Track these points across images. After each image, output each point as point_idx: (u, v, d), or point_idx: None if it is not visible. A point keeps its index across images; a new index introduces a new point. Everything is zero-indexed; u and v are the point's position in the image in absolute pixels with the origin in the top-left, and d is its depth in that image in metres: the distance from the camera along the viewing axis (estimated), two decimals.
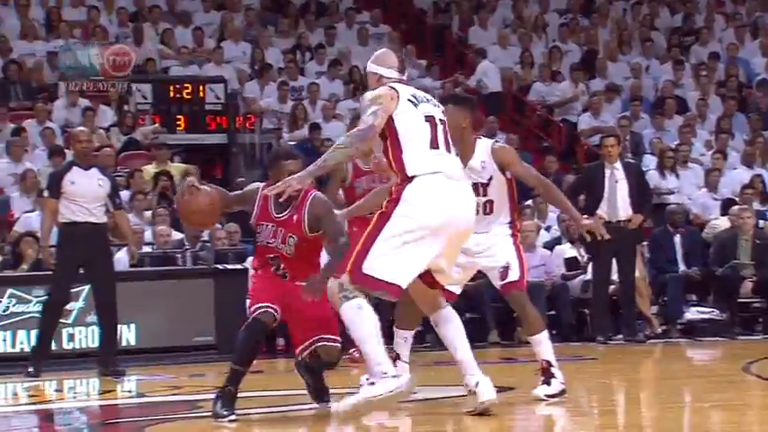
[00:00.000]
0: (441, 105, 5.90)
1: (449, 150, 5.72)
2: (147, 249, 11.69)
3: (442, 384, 6.79)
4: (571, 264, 11.91)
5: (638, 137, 15.46)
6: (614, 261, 11.03)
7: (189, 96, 14.93)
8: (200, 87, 15.03)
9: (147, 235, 11.94)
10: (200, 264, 11.47)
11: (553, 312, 11.61)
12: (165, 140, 14.22)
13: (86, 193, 9.26)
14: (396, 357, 6.23)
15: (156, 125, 14.70)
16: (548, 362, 6.37)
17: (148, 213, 12.43)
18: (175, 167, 13.64)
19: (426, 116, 5.72)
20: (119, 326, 10.30)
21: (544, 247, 12.13)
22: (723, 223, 12.87)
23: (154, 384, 8.60)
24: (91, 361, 9.85)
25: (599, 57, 17.77)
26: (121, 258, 11.42)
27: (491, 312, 11.23)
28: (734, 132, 15.88)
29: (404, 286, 5.54)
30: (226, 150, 15.35)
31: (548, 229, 12.98)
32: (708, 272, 12.14)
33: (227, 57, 16.40)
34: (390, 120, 5.64)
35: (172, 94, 14.89)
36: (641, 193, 11.14)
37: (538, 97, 16.95)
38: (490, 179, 6.39)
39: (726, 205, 13.32)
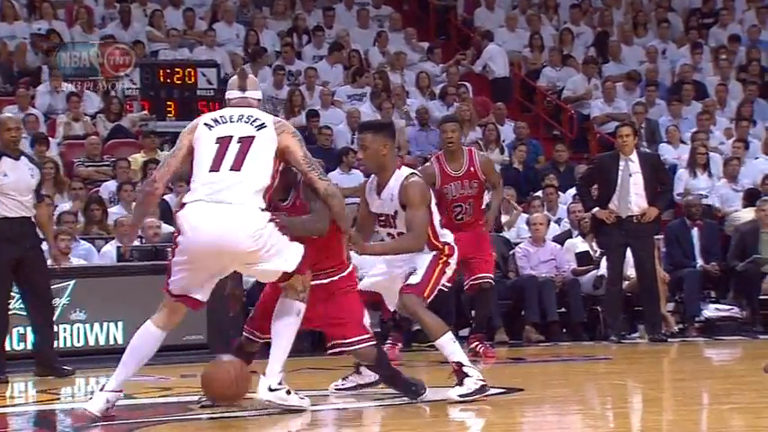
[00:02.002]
0: (259, 122, 6.21)
1: (238, 169, 6.06)
2: (135, 243, 11.69)
3: (444, 386, 6.80)
4: (583, 258, 11.92)
5: (654, 124, 15.45)
6: (628, 256, 11.00)
7: (179, 81, 14.91)
8: (192, 72, 15.00)
9: None
10: None
11: (563, 310, 11.63)
12: (155, 128, 14.23)
13: (20, 186, 9.03)
14: (356, 366, 6.98)
15: (145, 112, 14.69)
16: (458, 363, 6.50)
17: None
18: (164, 157, 13.60)
19: (219, 138, 6.13)
20: (105, 324, 10.31)
21: (554, 241, 12.13)
22: (745, 215, 12.87)
23: (142, 385, 8.60)
24: (71, 361, 9.86)
25: (612, 39, 17.77)
26: (108, 252, 11.45)
27: (498, 311, 11.24)
28: (755, 119, 15.87)
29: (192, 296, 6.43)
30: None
31: (558, 221, 12.98)
32: (727, 267, 12.13)
33: (220, 39, 16.41)
34: (193, 148, 6.25)
35: (161, 78, 14.86)
36: (661, 183, 11.03)
37: (548, 83, 16.95)
38: (396, 212, 6.66)
39: (748, 196, 13.29)
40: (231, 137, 6.12)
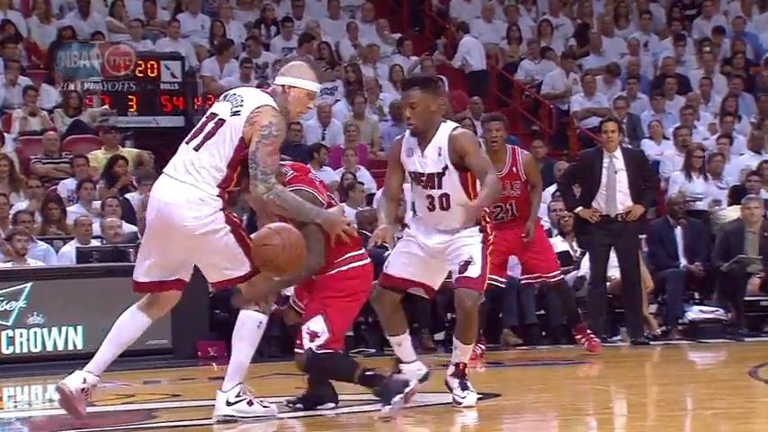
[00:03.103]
0: (239, 107, 6.22)
1: (197, 149, 6.24)
2: (95, 243, 11.65)
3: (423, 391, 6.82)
4: (562, 259, 11.95)
5: (636, 119, 15.52)
6: (611, 256, 11.04)
7: (141, 74, 14.88)
8: (154, 64, 14.97)
9: (96, 227, 11.90)
10: None
11: (542, 312, 11.67)
12: (116, 123, 14.18)
13: None
14: (398, 362, 6.87)
15: (105, 106, 14.64)
16: (465, 364, 6.67)
17: (97, 204, 12.40)
18: (126, 153, 13.59)
19: (209, 113, 6.33)
20: (64, 328, 10.27)
21: None
22: (730, 214, 12.95)
23: (104, 392, 8.57)
24: (32, 367, 9.83)
25: (593, 32, 17.83)
26: (67, 253, 11.40)
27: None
28: (740, 114, 15.97)
29: (138, 281, 6.63)
30: (183, 134, 15.24)
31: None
32: (711, 267, 12.19)
33: (184, 31, 16.36)
34: None
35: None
36: (646, 180, 11.06)
37: (526, 76, 17.00)
38: (444, 169, 6.49)
39: (733, 194, 13.36)
40: (215, 115, 6.28)
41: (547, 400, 7.07)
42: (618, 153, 10.85)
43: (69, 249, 11.42)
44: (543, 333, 11.76)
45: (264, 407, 6.34)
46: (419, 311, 11.31)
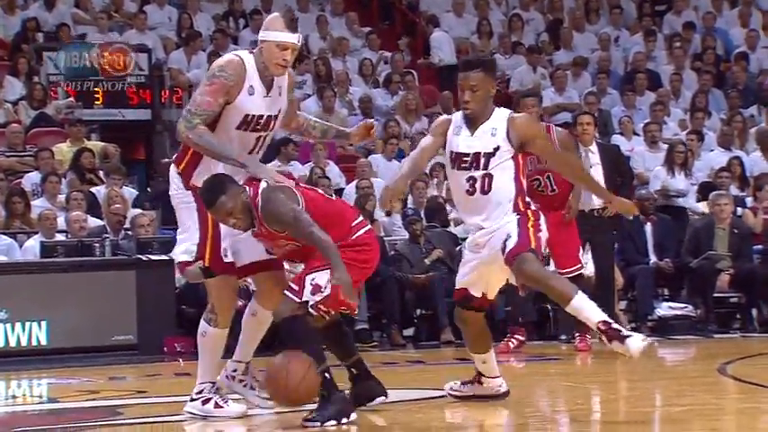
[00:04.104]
0: None
1: None
2: (60, 237, 11.59)
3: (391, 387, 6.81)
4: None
5: (606, 115, 15.58)
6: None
7: (108, 67, 14.81)
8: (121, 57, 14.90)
9: (61, 221, 11.83)
10: (120, 254, 11.39)
11: (509, 308, 11.68)
12: (81, 116, 14.10)
13: None
14: (479, 374, 6.74)
15: (71, 99, 14.55)
16: (603, 322, 5.99)
17: (62, 198, 12.34)
18: (92, 146, 13.53)
19: None
20: (28, 323, 10.20)
21: None
22: (700, 209, 13.04)
23: (68, 389, 8.53)
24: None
25: (564, 27, 17.88)
26: (31, 247, 11.33)
27: (444, 308, 11.27)
28: (710, 111, 16.05)
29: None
30: (149, 128, 15.26)
31: None
32: (681, 264, 12.26)
33: (151, 23, 16.28)
34: None
35: (89, 64, 14.76)
36: (621, 175, 11.02)
37: (498, 72, 17.01)
38: (495, 150, 6.22)
39: (703, 190, 13.43)
40: None
41: (516, 396, 7.07)
42: (593, 147, 10.83)
43: (33, 244, 11.35)
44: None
45: (222, 406, 6.30)
46: (388, 307, 11.32)
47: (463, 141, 6.27)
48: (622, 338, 5.85)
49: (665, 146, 14.49)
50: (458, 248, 11.99)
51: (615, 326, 5.94)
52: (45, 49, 14.90)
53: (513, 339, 10.26)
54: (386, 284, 11.26)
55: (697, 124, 15.25)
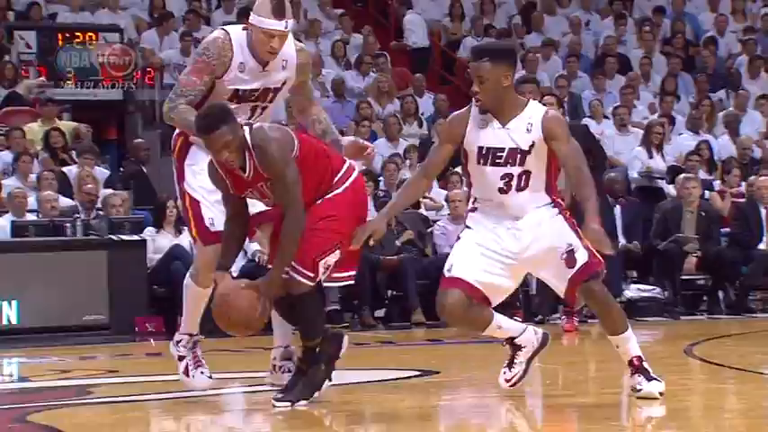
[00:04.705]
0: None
1: None
2: (31, 217, 11.53)
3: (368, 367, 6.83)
4: None
5: (577, 98, 15.60)
6: None
7: (80, 46, 14.72)
8: (93, 36, 14.80)
9: (32, 201, 11.77)
10: (91, 234, 11.35)
11: None
12: (52, 95, 14.01)
13: None
14: (511, 340, 6.14)
15: (42, 78, 14.46)
16: (638, 357, 5.91)
17: (33, 177, 12.27)
18: (64, 126, 13.45)
19: None
20: None
21: None
22: (668, 192, 13.10)
23: (38, 368, 8.51)
24: None
25: (535, 10, 17.88)
26: (1, 227, 11.27)
27: (415, 289, 11.29)
28: (679, 94, 16.11)
29: None
30: (121, 108, 15.17)
31: None
32: (649, 246, 12.30)
33: (123, 3, 16.18)
34: None
35: (60, 43, 14.66)
36: (593, 157, 10.95)
37: (469, 54, 16.99)
38: (531, 146, 5.73)
39: (672, 172, 13.47)
40: None
41: (485, 377, 7.09)
42: None
43: (4, 223, 11.29)
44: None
45: (197, 375, 6.19)
46: (359, 289, 11.32)
47: (495, 134, 5.70)
48: (649, 378, 5.84)
49: (635, 129, 14.56)
50: (428, 230, 12.01)
51: (646, 365, 5.90)
52: (16, 28, 14.78)
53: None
54: None
55: (666, 108, 15.30)
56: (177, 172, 6.14)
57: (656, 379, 5.84)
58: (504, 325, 5.99)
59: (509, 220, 5.75)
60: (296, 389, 5.87)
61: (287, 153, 5.69)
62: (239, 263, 9.43)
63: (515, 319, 9.13)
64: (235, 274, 6.33)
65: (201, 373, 6.22)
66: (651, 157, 13.53)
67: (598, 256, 5.78)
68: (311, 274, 5.75)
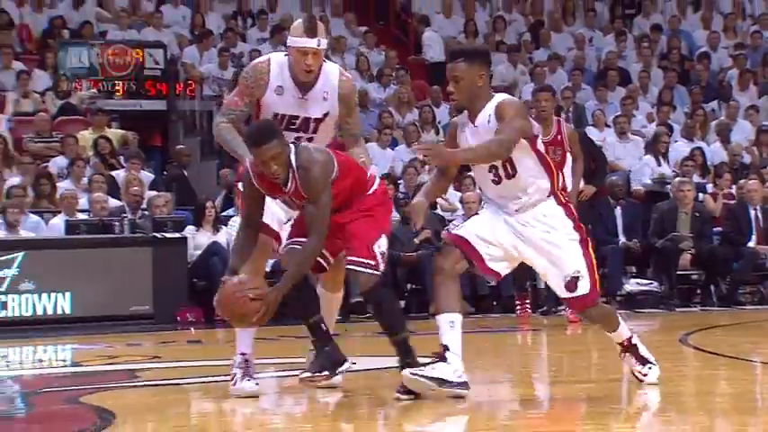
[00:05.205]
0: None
1: None
2: (82, 217, 11.57)
3: (383, 354, 6.81)
4: None
5: (581, 108, 15.55)
6: None
7: (128, 61, 14.75)
8: (139, 52, 14.86)
9: (83, 202, 11.82)
10: (138, 232, 11.38)
11: (493, 284, 11.68)
12: (102, 106, 14.06)
13: None
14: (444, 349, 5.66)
15: (93, 90, 14.50)
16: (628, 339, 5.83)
17: (84, 180, 12.32)
18: (112, 134, 13.51)
19: None
20: (53, 294, 10.22)
21: None
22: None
23: (89, 354, 8.54)
24: (23, 330, 9.75)
25: (543, 28, 17.84)
26: (56, 225, 11.32)
27: (430, 284, 11.26)
28: (675, 105, 16.04)
29: None
30: (165, 117, 15.22)
31: None
32: (647, 244, 12.27)
33: (167, 21, 16.22)
34: None
35: (110, 58, 14.71)
36: (593, 159, 10.85)
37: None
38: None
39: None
40: None
41: (496, 364, 7.09)
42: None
43: (59, 222, 11.34)
44: (495, 303, 11.78)
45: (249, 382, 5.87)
46: (382, 282, 11.26)
47: (471, 136, 5.57)
48: (644, 362, 5.79)
49: (634, 137, 14.54)
50: (445, 229, 11.99)
51: (637, 345, 5.84)
52: (71, 45, 14.84)
53: (525, 308, 10.20)
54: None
55: (663, 117, 15.25)
56: (238, 176, 6.05)
57: (650, 363, 5.78)
58: (456, 331, 5.58)
59: (512, 216, 5.55)
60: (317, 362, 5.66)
61: (327, 177, 5.56)
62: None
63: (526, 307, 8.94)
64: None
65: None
66: (660, 164, 13.53)
67: (598, 289, 5.59)
68: (372, 262, 5.56)
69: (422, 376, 5.48)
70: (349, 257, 5.62)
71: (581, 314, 5.80)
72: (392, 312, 5.77)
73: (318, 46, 5.76)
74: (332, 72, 5.88)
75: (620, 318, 5.86)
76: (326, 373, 5.66)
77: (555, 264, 5.57)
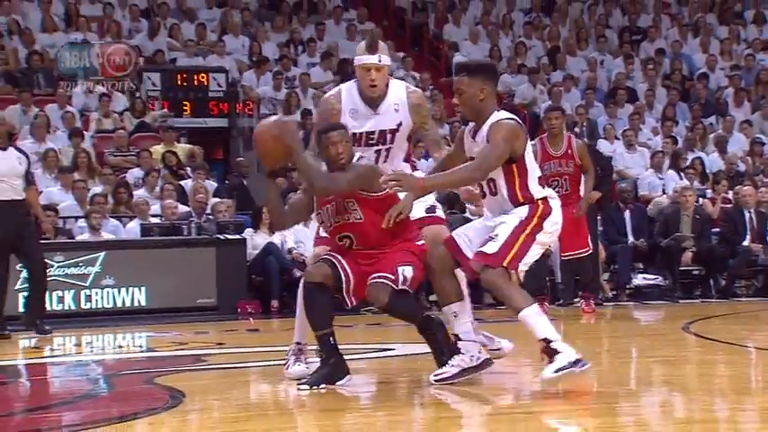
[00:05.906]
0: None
1: None
2: (156, 221, 11.66)
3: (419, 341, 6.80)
4: None
5: (594, 123, 15.50)
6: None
7: (194, 84, 14.87)
8: (204, 76, 14.96)
9: (156, 208, 11.92)
10: (203, 234, 11.46)
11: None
12: (173, 124, 14.17)
13: (7, 171, 8.87)
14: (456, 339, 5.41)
15: (165, 110, 14.63)
16: (544, 339, 5.08)
17: (157, 189, 12.42)
18: (181, 148, 13.61)
19: None
20: (131, 288, 10.30)
21: None
22: (665, 200, 13.02)
23: (162, 340, 8.60)
24: (105, 320, 9.84)
25: (559, 52, 17.79)
26: (133, 228, 11.41)
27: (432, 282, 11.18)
28: (677, 120, 15.94)
29: None
30: (227, 133, 15.31)
31: None
32: (653, 243, 12.21)
33: (228, 49, 16.32)
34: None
35: (179, 82, 14.84)
36: (602, 168, 10.76)
37: (505, 88, 16.94)
38: None
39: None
40: None
41: (519, 348, 7.05)
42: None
43: (135, 225, 11.43)
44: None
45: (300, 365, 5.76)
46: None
47: (472, 145, 5.26)
48: (552, 359, 5.01)
49: (641, 148, 14.49)
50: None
51: (554, 345, 5.05)
52: (145, 71, 14.98)
53: (543, 306, 10.14)
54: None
55: (666, 131, 15.17)
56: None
57: (559, 356, 5.05)
58: (462, 319, 5.34)
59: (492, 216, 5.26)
60: (317, 374, 5.42)
61: (362, 182, 5.32)
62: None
63: (544, 310, 8.84)
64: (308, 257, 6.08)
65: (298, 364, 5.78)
66: (681, 179, 13.46)
67: (505, 259, 5.00)
68: (392, 277, 5.30)
69: (444, 380, 5.32)
70: (372, 275, 5.35)
71: (480, 273, 5.05)
72: (410, 314, 5.46)
73: (380, 61, 5.59)
74: (398, 87, 5.73)
75: (537, 314, 5.09)
76: (324, 386, 5.36)
77: (490, 227, 5.20)
